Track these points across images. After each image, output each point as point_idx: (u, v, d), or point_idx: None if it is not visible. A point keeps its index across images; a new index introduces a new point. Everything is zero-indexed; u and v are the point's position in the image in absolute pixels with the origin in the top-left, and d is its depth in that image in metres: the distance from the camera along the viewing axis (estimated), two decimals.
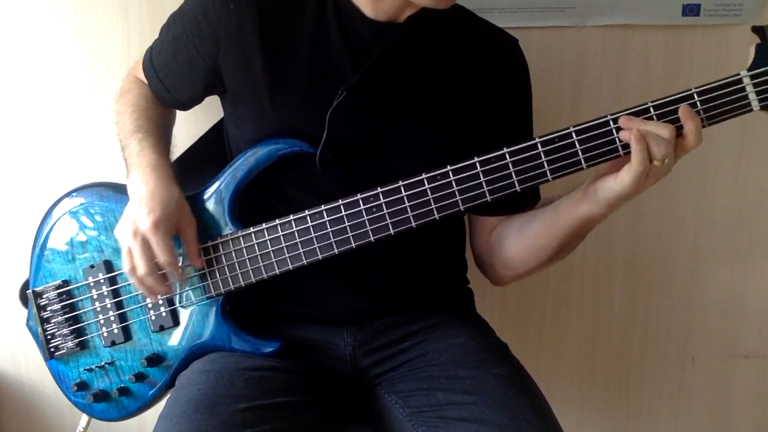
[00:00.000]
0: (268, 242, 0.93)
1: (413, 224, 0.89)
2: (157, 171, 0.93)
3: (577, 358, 1.48)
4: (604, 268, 1.43)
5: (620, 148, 0.84)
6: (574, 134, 0.84)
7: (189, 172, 1.04)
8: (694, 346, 1.48)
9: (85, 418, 1.15)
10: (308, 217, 0.91)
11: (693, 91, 0.82)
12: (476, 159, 0.86)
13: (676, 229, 1.41)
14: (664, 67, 1.31)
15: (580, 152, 0.84)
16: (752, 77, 0.81)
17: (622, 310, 1.46)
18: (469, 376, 0.93)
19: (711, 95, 0.82)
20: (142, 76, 1.07)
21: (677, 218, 1.40)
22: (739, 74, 0.82)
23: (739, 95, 0.82)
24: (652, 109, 0.83)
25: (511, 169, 0.85)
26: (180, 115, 1.12)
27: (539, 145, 0.85)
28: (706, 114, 0.82)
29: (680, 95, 0.83)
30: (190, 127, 1.15)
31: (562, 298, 1.45)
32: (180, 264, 0.93)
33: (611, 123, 0.84)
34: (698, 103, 0.82)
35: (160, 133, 1.02)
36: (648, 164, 0.81)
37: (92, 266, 0.99)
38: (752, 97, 0.81)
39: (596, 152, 0.84)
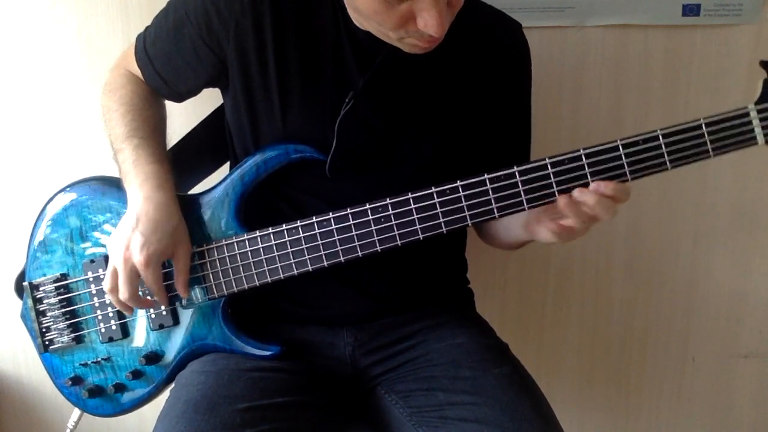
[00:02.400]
0: (274, 247, 0.92)
1: (420, 236, 0.89)
2: (158, 189, 0.91)
3: (577, 358, 1.48)
4: (604, 268, 1.43)
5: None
6: (584, 157, 0.85)
7: (186, 162, 1.03)
8: (694, 346, 1.48)
9: (76, 412, 1.13)
10: (316, 224, 0.91)
11: (702, 121, 0.84)
12: (486, 176, 0.86)
13: (676, 228, 1.41)
14: (664, 67, 1.31)
15: (588, 175, 0.85)
16: (759, 111, 0.84)
17: (622, 310, 1.46)
18: (469, 376, 0.93)
19: (719, 126, 0.84)
20: (133, 68, 1.03)
21: (677, 218, 1.40)
22: (746, 107, 0.84)
23: (745, 128, 0.84)
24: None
25: (520, 188, 0.86)
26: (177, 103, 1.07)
27: (549, 165, 0.85)
28: (713, 144, 0.84)
29: (690, 125, 0.84)
30: (189, 117, 1.13)
31: (562, 298, 1.45)
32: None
33: (620, 148, 0.84)
34: (706, 133, 0.83)
35: (157, 137, 0.99)
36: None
37: (92, 261, 0.98)
38: (758, 131, 0.84)
39: (603, 177, 0.85)
